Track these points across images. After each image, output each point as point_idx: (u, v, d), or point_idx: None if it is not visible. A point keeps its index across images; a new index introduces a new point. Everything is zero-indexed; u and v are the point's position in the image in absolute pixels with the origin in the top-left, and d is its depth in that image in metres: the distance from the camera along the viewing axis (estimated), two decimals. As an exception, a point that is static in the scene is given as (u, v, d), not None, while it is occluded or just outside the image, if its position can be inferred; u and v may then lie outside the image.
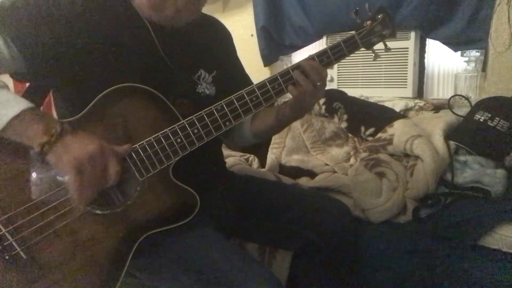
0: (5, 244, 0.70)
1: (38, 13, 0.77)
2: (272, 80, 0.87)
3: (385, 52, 0.97)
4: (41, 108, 0.89)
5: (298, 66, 0.88)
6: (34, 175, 0.73)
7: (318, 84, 0.87)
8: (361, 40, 0.92)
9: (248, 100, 0.85)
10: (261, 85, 0.86)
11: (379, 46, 0.96)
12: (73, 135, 0.70)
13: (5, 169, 0.72)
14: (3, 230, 0.70)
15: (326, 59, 0.89)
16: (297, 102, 0.92)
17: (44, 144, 0.68)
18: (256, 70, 1.12)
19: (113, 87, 0.76)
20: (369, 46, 0.94)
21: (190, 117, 0.81)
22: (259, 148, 1.73)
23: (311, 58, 0.89)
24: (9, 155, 0.73)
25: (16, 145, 0.72)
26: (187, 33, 0.92)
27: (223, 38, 1.07)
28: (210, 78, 0.96)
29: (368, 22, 0.92)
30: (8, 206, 0.71)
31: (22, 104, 0.70)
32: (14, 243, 0.71)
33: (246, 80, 1.10)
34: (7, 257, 0.70)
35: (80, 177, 0.68)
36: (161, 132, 0.79)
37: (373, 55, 0.97)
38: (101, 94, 0.75)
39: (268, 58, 2.19)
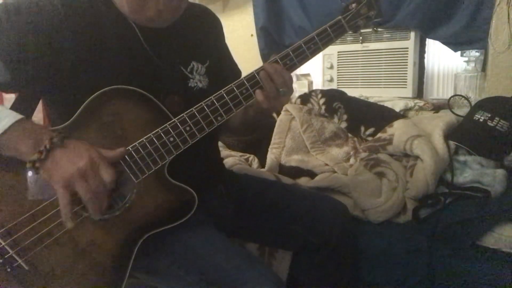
0: (6, 256, 0.70)
1: (19, 21, 0.75)
2: (260, 69, 0.86)
3: (373, 33, 0.97)
4: (39, 112, 0.88)
5: (265, 71, 0.86)
6: (30, 185, 0.73)
7: (281, 90, 0.86)
8: (348, 23, 0.90)
9: (238, 93, 0.84)
10: (251, 76, 0.85)
11: (381, 45, 0.96)
12: (62, 150, 0.69)
13: (1, 181, 0.72)
14: (3, 243, 0.70)
15: (313, 45, 0.89)
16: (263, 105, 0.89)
17: (35, 161, 0.67)
18: (256, 70, 1.12)
19: (100, 91, 0.75)
20: (356, 29, 0.93)
21: (181, 115, 0.80)
22: (259, 148, 1.73)
23: (296, 47, 0.88)
24: (4, 167, 0.72)
25: (10, 156, 0.71)
26: (174, 28, 0.90)
27: (212, 26, 1.06)
28: (204, 69, 0.95)
29: (354, 5, 0.91)
30: (6, 218, 0.71)
31: (11, 118, 0.69)
32: (14, 255, 0.70)
33: (235, 68, 1.11)
34: (9, 270, 0.70)
35: (67, 195, 0.68)
36: (153, 133, 0.78)
37: (361, 38, 0.96)
38: (89, 99, 0.75)
39: (268, 58, 2.19)
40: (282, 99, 0.89)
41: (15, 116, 0.70)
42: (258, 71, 0.86)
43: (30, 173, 0.72)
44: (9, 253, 0.70)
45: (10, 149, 0.69)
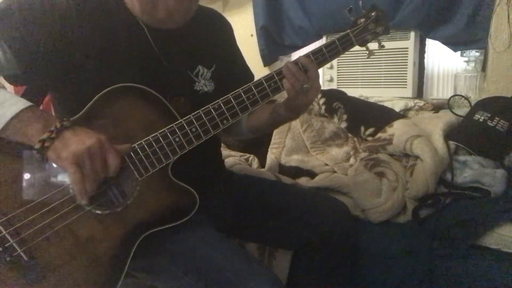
0: (6, 245, 0.70)
1: (32, 16, 0.77)
2: (269, 78, 0.87)
3: (379, 49, 0.98)
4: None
5: (289, 65, 0.87)
6: (34, 176, 0.73)
7: (305, 86, 0.87)
8: (356, 37, 0.92)
9: (245, 98, 0.85)
10: (258, 83, 0.87)
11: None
12: (72, 131, 0.71)
13: (5, 170, 0.72)
14: (4, 231, 0.70)
15: (321, 56, 0.90)
16: (290, 101, 0.92)
17: (45, 140, 0.68)
18: (256, 70, 1.11)
19: (109, 88, 0.76)
20: (363, 43, 0.95)
21: (188, 116, 0.81)
22: (259, 148, 1.73)
23: (306, 56, 0.89)
24: (8, 156, 0.73)
25: (16, 146, 0.72)
26: (184, 31, 0.91)
27: (222, 30, 1.06)
28: (209, 73, 0.96)
29: (362, 20, 0.92)
30: (8, 208, 0.71)
31: (21, 104, 0.70)
32: (15, 245, 0.70)
33: (247, 72, 1.10)
34: (8, 259, 0.70)
35: (80, 170, 0.69)
36: (159, 132, 0.79)
37: (367, 52, 0.97)
38: (98, 95, 0.75)
39: (268, 58, 2.19)
40: (309, 95, 0.90)
41: (26, 103, 0.71)
42: (265, 78, 0.87)
43: (27, 176, 0.73)
44: (9, 242, 0.70)
45: (20, 133, 0.70)
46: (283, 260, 1.20)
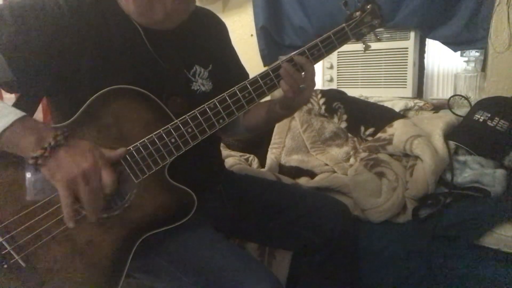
0: (3, 253, 0.70)
1: (24, 21, 0.76)
2: (264, 75, 0.86)
3: (375, 41, 0.97)
4: (39, 112, 0.88)
5: (286, 67, 0.86)
6: (29, 181, 0.73)
7: (301, 86, 0.87)
8: (351, 31, 0.91)
9: (240, 97, 0.84)
10: (253, 81, 0.86)
11: (381, 45, 0.96)
12: (66, 149, 0.69)
13: (1, 177, 0.72)
14: (0, 239, 0.70)
15: (317, 52, 0.89)
16: (286, 99, 0.91)
17: (38, 158, 0.67)
18: (256, 70, 1.11)
19: (103, 90, 0.75)
20: (359, 37, 0.93)
21: (183, 117, 0.80)
22: (259, 148, 1.73)
23: (301, 52, 0.88)
24: (2, 163, 0.72)
25: (10, 153, 0.71)
26: (179, 30, 0.91)
27: (217, 30, 1.06)
28: (206, 73, 0.95)
29: (358, 13, 0.91)
30: (4, 215, 0.71)
31: (13, 114, 0.68)
32: (12, 252, 0.70)
33: (242, 71, 1.10)
34: (6, 266, 0.70)
35: (71, 195, 0.68)
36: (154, 133, 0.78)
37: (364, 46, 0.96)
38: (92, 97, 0.75)
39: (268, 58, 2.19)
40: (305, 94, 0.90)
41: (18, 113, 0.69)
42: (260, 75, 0.86)
43: (28, 174, 0.72)
44: (6, 249, 0.70)
45: (12, 145, 0.69)
46: (283, 260, 1.20)
